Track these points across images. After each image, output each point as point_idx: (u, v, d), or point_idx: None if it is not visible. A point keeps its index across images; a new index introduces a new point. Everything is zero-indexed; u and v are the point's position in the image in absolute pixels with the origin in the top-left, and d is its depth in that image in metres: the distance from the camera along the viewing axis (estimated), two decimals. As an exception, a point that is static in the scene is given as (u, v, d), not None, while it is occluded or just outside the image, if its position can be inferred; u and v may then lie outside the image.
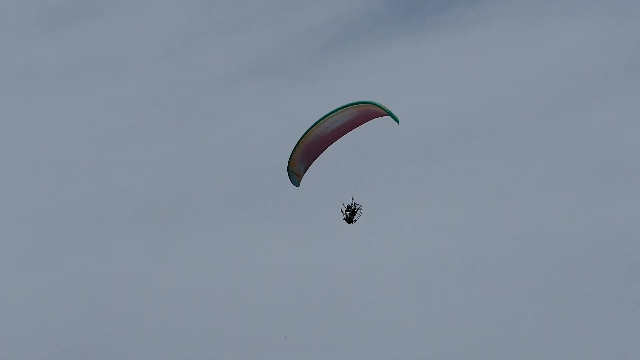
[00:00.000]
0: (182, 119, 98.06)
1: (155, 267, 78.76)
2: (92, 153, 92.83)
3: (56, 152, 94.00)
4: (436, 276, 76.55)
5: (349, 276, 75.04)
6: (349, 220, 52.39)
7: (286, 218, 79.76)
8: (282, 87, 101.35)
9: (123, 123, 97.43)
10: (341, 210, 52.83)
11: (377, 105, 52.48)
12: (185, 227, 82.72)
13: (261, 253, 77.76)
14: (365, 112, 53.17)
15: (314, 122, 53.65)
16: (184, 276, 76.86)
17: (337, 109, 53.26)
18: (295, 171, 54.40)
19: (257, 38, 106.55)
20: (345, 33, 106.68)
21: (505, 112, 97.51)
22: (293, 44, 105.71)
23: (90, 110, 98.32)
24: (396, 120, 52.00)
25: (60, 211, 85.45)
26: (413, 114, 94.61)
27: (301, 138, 53.99)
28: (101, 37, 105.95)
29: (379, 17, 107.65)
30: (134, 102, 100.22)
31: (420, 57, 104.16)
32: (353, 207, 52.63)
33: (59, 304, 75.71)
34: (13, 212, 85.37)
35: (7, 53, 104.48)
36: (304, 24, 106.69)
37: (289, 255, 76.98)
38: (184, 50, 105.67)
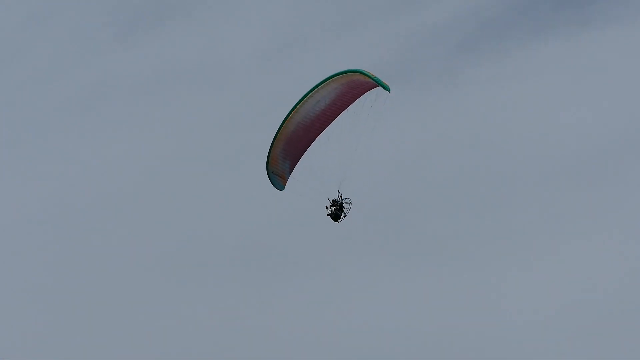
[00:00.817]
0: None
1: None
2: (181, 181, 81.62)
3: (139, 180, 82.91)
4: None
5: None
6: (336, 217, 46.11)
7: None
8: (406, 96, 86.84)
9: (217, 143, 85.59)
10: (326, 207, 46.28)
11: (363, 74, 44.24)
12: (289, 271, 71.62)
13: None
14: (352, 85, 44.81)
15: (291, 107, 45.36)
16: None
17: (316, 86, 44.89)
18: (278, 172, 46.14)
19: (373, 38, 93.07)
20: (484, 29, 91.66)
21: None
22: (419, 44, 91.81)
23: (177, 131, 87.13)
24: (386, 88, 43.99)
25: (145, 255, 75.09)
26: (569, 126, 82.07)
27: (279, 129, 45.74)
28: (188, 42, 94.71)
29: (525, 7, 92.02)
30: (229, 118, 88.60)
31: (578, 56, 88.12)
32: (340, 200, 46.17)
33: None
34: (93, 255, 75.71)
35: (79, 65, 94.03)
36: (432, 20, 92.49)
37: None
38: (287, 56, 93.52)
